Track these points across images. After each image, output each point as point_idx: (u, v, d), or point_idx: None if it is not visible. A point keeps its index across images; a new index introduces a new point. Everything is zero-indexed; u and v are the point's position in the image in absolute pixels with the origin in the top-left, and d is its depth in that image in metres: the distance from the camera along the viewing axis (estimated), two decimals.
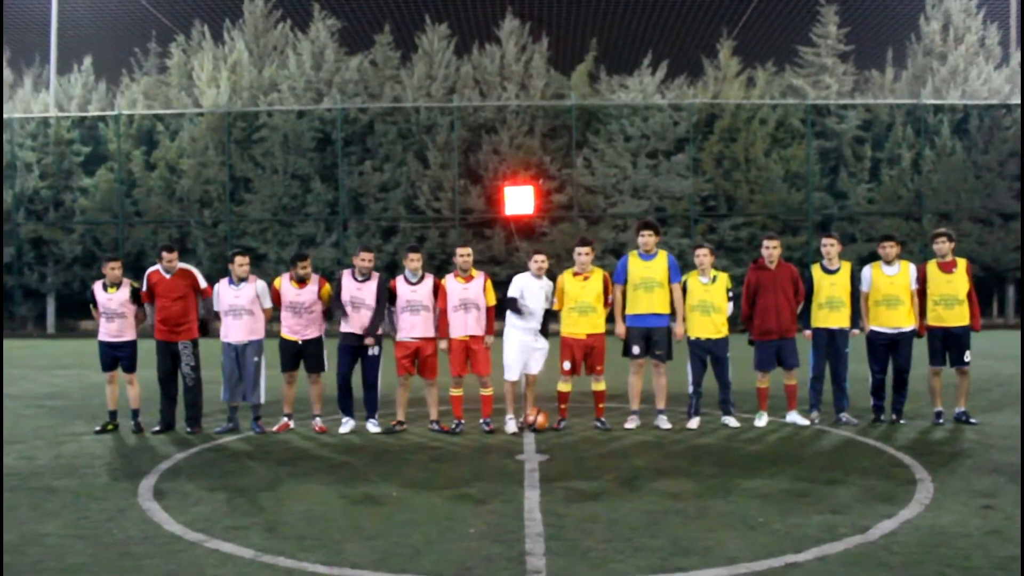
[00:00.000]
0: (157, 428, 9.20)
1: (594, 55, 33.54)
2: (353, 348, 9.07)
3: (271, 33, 35.04)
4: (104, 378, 9.47)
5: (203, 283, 9.52)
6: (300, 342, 9.24)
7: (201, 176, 30.69)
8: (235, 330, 9.15)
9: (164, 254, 9.37)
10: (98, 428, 9.26)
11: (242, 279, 9.23)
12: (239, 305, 9.16)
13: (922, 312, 9.33)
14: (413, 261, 9.08)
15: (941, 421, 9.18)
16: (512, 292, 9.05)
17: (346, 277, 9.18)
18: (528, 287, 9.05)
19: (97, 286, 9.47)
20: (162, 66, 37.17)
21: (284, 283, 9.27)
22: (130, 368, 9.38)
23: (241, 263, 9.23)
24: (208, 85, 32.54)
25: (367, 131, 31.09)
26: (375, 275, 9.18)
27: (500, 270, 27.32)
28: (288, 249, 30.00)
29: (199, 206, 30.84)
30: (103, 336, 9.39)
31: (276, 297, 9.28)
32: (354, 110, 31.05)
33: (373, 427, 9.11)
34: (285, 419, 9.32)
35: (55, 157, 31.11)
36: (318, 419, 9.30)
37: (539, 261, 9.09)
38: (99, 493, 6.41)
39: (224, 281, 9.33)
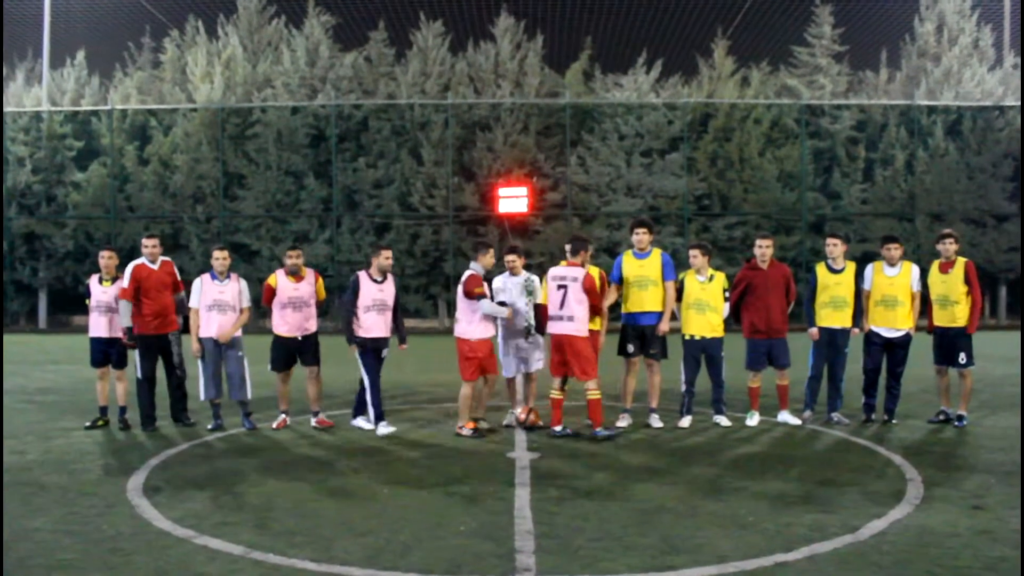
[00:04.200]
0: (149, 427, 9.05)
1: (589, 53, 33.56)
2: (376, 351, 8.83)
3: (265, 29, 34.94)
4: (95, 374, 9.39)
5: (177, 275, 9.49)
6: (300, 338, 9.09)
7: (194, 172, 30.60)
8: (221, 326, 8.94)
9: (146, 241, 9.24)
10: (89, 424, 9.20)
11: (225, 275, 9.11)
12: (224, 300, 8.97)
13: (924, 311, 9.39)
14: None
15: (940, 419, 9.21)
16: (499, 296, 9.09)
17: (364, 279, 8.84)
18: (504, 286, 9.06)
19: (93, 279, 9.36)
20: (156, 61, 37.07)
21: (280, 279, 9.09)
22: (121, 364, 9.30)
23: (218, 256, 9.07)
24: (202, 80, 32.44)
25: (361, 128, 31.03)
26: (391, 276, 9.07)
27: (494, 268, 27.29)
28: (281, 245, 29.93)
29: (192, 202, 30.75)
30: (96, 332, 9.24)
31: (270, 295, 9.08)
32: (348, 106, 30.99)
33: (385, 429, 8.77)
34: (283, 416, 9.21)
35: (48, 152, 30.98)
36: (321, 414, 9.19)
37: (510, 261, 9.07)
38: (89, 489, 6.38)
39: (206, 276, 9.09)
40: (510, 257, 9.08)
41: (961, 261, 9.22)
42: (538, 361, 9.13)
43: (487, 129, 31.00)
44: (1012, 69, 33.45)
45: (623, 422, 9.09)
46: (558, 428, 8.51)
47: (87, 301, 9.38)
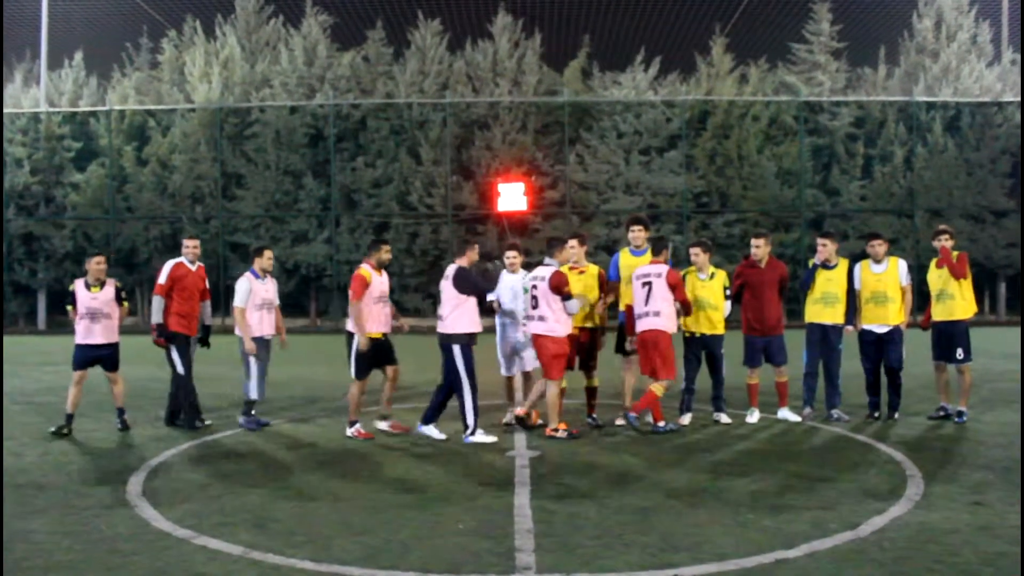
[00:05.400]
0: (198, 423, 9.01)
1: (587, 51, 33.52)
2: (472, 344, 8.37)
3: (263, 28, 34.91)
4: (73, 378, 8.97)
5: (207, 284, 9.47)
6: (383, 336, 8.61)
7: (193, 172, 30.56)
8: (268, 324, 9.14)
9: (187, 241, 9.27)
10: (53, 430, 8.78)
11: (268, 273, 9.22)
12: (269, 299, 9.20)
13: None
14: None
15: (940, 415, 9.20)
16: (489, 295, 9.06)
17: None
18: (502, 283, 9.02)
19: (79, 284, 9.00)
20: (154, 61, 37.01)
21: (373, 273, 8.45)
22: (114, 367, 9.09)
23: (270, 256, 9.27)
24: (200, 80, 32.39)
25: (360, 127, 31.00)
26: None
27: (492, 266, 27.29)
28: (281, 245, 29.89)
29: (191, 202, 30.71)
30: (84, 339, 8.87)
31: (364, 289, 8.33)
32: (347, 106, 30.96)
33: (483, 437, 8.23)
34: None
35: (46, 152, 30.92)
36: (393, 418, 8.70)
37: (510, 257, 9.12)
38: (86, 490, 6.37)
39: (250, 275, 9.09)
40: (511, 253, 9.08)
41: (955, 255, 9.24)
42: (534, 360, 9.10)
43: (485, 128, 30.98)
44: (1010, 65, 33.43)
45: (622, 420, 9.07)
46: (661, 424, 8.55)
47: (69, 308, 9.02)
